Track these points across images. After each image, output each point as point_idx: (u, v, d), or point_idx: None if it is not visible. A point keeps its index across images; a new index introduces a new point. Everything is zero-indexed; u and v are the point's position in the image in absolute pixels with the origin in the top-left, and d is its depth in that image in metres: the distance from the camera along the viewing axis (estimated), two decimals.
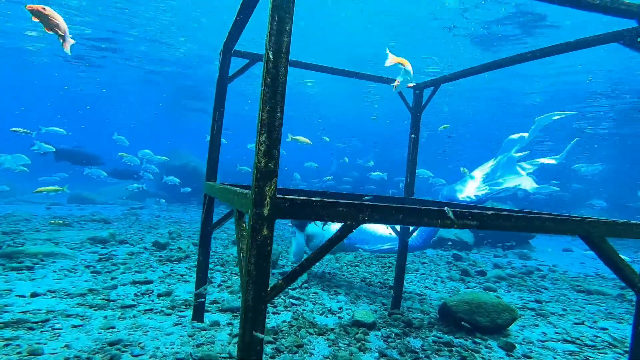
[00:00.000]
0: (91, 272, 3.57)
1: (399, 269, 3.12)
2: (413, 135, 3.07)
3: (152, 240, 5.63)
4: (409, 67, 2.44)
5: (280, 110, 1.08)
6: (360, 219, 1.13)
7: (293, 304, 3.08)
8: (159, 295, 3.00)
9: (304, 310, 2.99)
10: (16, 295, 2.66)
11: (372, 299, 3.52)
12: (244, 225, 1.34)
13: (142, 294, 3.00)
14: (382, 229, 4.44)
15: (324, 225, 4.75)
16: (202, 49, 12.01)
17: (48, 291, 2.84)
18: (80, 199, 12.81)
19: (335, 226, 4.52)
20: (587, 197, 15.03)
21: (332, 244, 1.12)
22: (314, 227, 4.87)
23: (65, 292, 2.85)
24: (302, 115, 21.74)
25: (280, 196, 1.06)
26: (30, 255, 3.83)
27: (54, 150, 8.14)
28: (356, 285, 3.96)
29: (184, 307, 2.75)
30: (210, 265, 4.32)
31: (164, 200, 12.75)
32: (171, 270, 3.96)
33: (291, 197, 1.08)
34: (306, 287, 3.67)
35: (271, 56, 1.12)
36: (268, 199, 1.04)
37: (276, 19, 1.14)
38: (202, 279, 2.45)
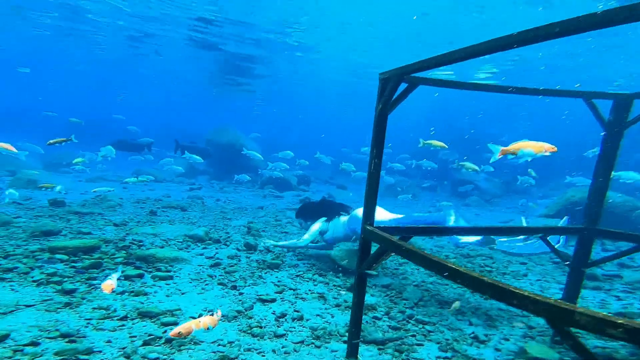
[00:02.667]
0: (218, 284, 3.97)
1: (572, 290, 2.78)
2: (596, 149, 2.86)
3: (238, 238, 6.05)
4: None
5: None
6: None
7: (429, 331, 3.14)
8: (293, 320, 3.29)
9: (446, 339, 2.98)
10: (190, 317, 3.06)
11: (506, 317, 3.48)
12: None
13: (278, 317, 3.30)
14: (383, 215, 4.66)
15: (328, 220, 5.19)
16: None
17: (206, 310, 3.24)
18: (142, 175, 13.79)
19: (344, 218, 5.00)
20: None
21: None
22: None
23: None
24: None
25: None
26: (160, 260, 4.29)
27: (201, 160, 10.12)
28: (471, 300, 3.91)
29: (327, 337, 3.02)
30: (306, 274, 4.63)
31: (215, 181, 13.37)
32: (279, 281, 4.28)
33: None
34: (423, 305, 3.75)
35: None
36: None
37: None
38: (357, 320, 2.59)
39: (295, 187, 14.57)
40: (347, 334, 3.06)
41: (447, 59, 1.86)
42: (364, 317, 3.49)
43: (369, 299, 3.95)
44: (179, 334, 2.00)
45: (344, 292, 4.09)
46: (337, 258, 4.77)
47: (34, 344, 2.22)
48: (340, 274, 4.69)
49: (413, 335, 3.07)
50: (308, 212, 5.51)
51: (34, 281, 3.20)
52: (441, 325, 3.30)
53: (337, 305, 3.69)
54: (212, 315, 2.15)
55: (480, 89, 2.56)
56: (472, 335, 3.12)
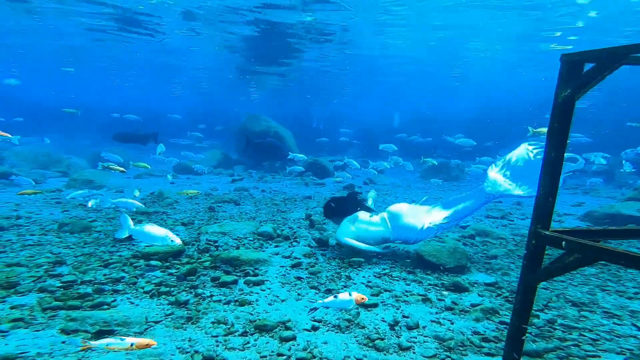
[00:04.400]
0: (310, 288, 3.74)
1: None
2: None
3: (304, 233, 5.84)
4: None
5: None
6: None
7: (594, 339, 2.66)
8: (409, 328, 2.99)
9: (629, 349, 2.53)
10: (304, 329, 2.87)
11: None
12: None
13: (392, 326, 3.01)
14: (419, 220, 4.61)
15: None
16: None
17: (315, 321, 3.03)
18: (183, 169, 14.02)
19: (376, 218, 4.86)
20: None
21: None
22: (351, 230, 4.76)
23: (330, 324, 3.00)
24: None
25: None
26: (246, 263, 4.14)
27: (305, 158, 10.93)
28: (609, 299, 3.30)
29: (461, 348, 2.66)
30: (393, 272, 4.31)
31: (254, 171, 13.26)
32: (368, 282, 3.99)
33: None
34: (555, 308, 3.21)
35: None
36: None
37: None
38: (517, 330, 2.21)
39: (332, 173, 14.28)
40: (483, 344, 2.73)
41: None
42: (486, 322, 3.14)
43: (476, 299, 3.58)
44: None
45: (446, 293, 3.74)
46: (425, 254, 4.41)
47: None
48: (430, 271, 4.35)
49: (576, 345, 2.66)
50: (348, 208, 5.06)
51: (145, 292, 3.15)
52: (600, 332, 2.86)
53: (449, 309, 3.35)
54: None
55: None
56: None
